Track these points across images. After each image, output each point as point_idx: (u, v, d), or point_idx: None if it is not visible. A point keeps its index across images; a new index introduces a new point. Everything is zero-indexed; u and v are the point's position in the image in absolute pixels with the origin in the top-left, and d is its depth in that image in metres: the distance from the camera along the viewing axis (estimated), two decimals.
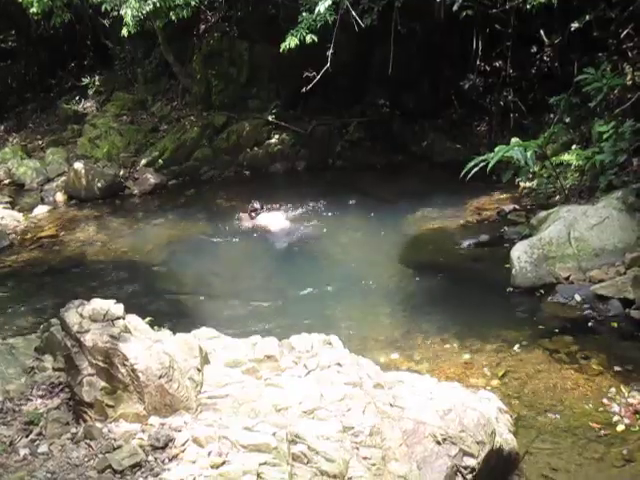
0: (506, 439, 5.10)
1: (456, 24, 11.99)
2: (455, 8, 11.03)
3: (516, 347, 6.81)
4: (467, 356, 6.72)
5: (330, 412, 4.76)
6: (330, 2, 11.05)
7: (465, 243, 9.61)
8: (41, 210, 13.68)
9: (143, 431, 4.53)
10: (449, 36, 13.28)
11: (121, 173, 14.89)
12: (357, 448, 4.55)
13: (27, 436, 4.78)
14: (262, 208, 11.62)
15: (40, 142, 18.39)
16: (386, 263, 9.31)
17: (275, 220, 11.39)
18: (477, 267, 8.91)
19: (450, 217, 10.58)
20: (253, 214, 11.51)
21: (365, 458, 4.51)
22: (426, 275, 8.87)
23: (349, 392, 4.98)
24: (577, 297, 7.64)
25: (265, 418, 4.60)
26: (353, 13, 11.16)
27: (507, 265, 8.30)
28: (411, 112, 14.13)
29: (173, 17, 12.49)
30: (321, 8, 11.05)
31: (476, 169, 8.85)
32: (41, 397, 5.36)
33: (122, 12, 12.28)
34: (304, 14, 11.46)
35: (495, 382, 6.22)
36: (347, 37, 11.95)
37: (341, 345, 5.73)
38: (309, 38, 11.18)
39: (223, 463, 4.16)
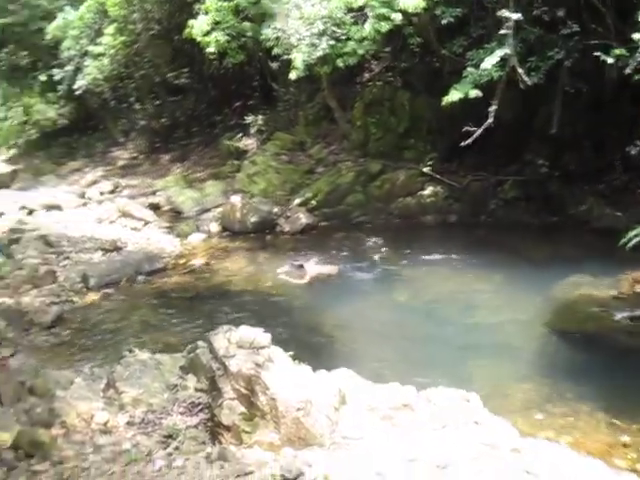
0: None
1: (627, 87, 11.61)
2: (627, 71, 10.69)
3: None
4: (613, 433, 6.32)
5: (462, 470, 4.63)
6: (498, 59, 11.02)
7: (619, 315, 9.11)
8: (196, 238, 14.27)
9: (275, 460, 4.58)
10: (618, 99, 12.86)
11: (275, 210, 15.27)
12: None
13: (165, 449, 4.94)
14: (302, 266, 11.56)
15: (201, 174, 19.25)
16: (531, 326, 8.99)
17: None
18: (631, 342, 8.41)
19: (604, 286, 10.07)
20: (294, 269, 11.56)
21: None
22: (573, 343, 8.50)
23: (484, 452, 4.83)
24: None
25: (396, 466, 4.53)
26: (520, 71, 11.06)
27: None
28: (571, 174, 13.72)
29: (340, 64, 12.83)
30: (488, 64, 11.04)
31: (638, 239, 8.45)
32: (181, 414, 5.53)
33: (292, 57, 12.75)
34: (469, 69, 11.49)
35: None
36: (511, 93, 11.84)
37: (480, 404, 5.59)
38: (473, 93, 11.18)
39: None
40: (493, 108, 11.18)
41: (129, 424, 5.47)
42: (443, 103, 11.59)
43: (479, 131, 11.36)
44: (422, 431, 5.09)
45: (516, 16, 10.79)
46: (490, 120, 11.19)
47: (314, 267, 11.51)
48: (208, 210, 16.24)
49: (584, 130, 13.35)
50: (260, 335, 4.99)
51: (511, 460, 4.84)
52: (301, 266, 11.44)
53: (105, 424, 5.51)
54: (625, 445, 6.13)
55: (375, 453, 4.67)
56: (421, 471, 4.53)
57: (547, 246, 12.13)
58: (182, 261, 12.53)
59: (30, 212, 16.55)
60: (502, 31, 11.10)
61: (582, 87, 12.20)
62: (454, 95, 11.33)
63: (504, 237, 12.95)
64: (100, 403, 5.85)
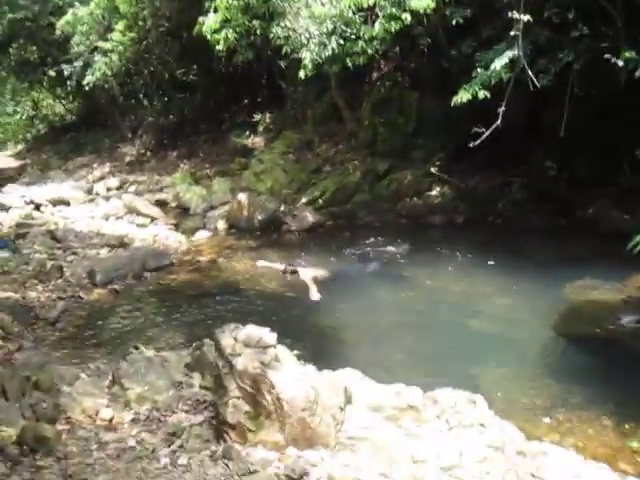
0: None
1: (637, 90, 11.56)
2: (637, 74, 10.64)
3: None
4: (620, 438, 6.28)
5: (468, 472, 4.63)
6: (507, 60, 10.99)
7: (625, 319, 9.04)
8: (202, 235, 14.30)
9: (280, 460, 4.59)
10: (628, 102, 12.80)
11: (281, 208, 15.27)
12: None
13: (169, 446, 4.95)
14: (294, 271, 11.26)
15: (208, 171, 19.31)
16: (537, 330, 8.94)
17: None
18: (637, 346, 8.40)
19: (611, 290, 10.01)
20: (288, 275, 11.26)
21: None
22: (580, 347, 8.46)
23: (490, 455, 4.83)
24: None
25: (401, 467, 4.53)
26: (529, 72, 11.02)
27: None
28: (579, 177, 13.68)
29: (349, 63, 12.82)
30: (497, 65, 11.01)
31: None
32: (186, 412, 5.54)
33: (301, 55, 12.75)
34: (479, 70, 11.46)
35: None
36: (519, 95, 11.80)
37: (486, 406, 5.58)
38: (482, 94, 11.15)
39: None
40: (502, 109, 11.13)
41: (134, 421, 5.49)
42: (452, 103, 11.56)
43: (487, 132, 11.33)
44: (428, 432, 5.08)
45: (526, 18, 10.75)
46: (498, 121, 11.15)
47: (309, 270, 11.36)
48: (215, 207, 16.27)
49: (593, 133, 13.30)
50: (266, 334, 4.98)
51: (517, 463, 4.84)
52: (294, 271, 11.26)
53: (110, 420, 5.52)
54: (633, 451, 6.10)
55: (380, 454, 4.66)
56: (426, 473, 4.53)
57: (555, 248, 12.09)
58: (188, 258, 12.54)
59: (37, 207, 16.59)
60: (512, 32, 11.07)
61: (591, 90, 12.15)
62: (463, 96, 11.30)
63: (511, 239, 12.92)
64: (105, 399, 5.87)
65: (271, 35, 13.64)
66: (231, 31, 13.61)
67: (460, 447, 4.82)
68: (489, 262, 11.50)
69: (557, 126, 11.77)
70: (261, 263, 11.69)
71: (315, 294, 10.42)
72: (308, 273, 11.15)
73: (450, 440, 4.96)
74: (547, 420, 6.60)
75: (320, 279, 11.00)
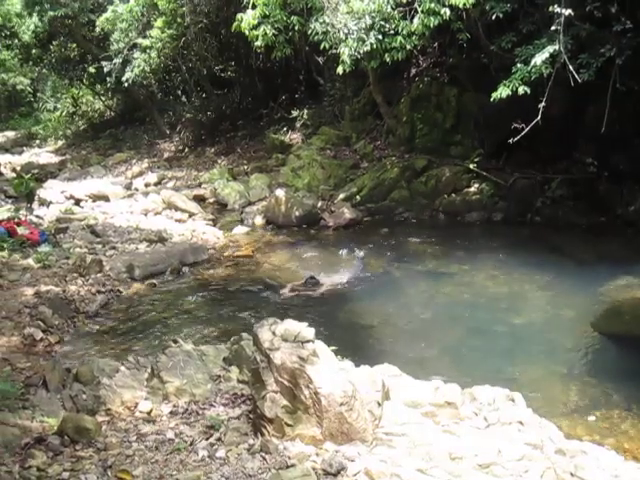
0: None
1: None
2: None
3: None
4: None
5: (506, 470, 4.59)
6: (547, 55, 10.87)
7: None
8: (240, 230, 14.35)
9: (317, 454, 4.59)
10: None
11: (319, 205, 15.28)
12: None
13: (207, 439, 4.99)
14: (315, 282, 10.68)
15: (245, 167, 19.34)
16: (578, 328, 8.85)
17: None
18: None
19: None
20: (306, 285, 10.68)
21: None
22: (620, 346, 8.34)
23: (528, 453, 4.78)
24: None
25: (439, 464, 4.51)
26: (570, 67, 10.88)
27: None
28: (620, 174, 13.45)
29: (387, 59, 12.76)
30: (537, 60, 10.91)
31: None
32: (224, 405, 5.58)
33: (340, 51, 12.74)
34: (519, 65, 11.36)
35: None
36: (560, 91, 11.66)
37: (524, 404, 5.54)
38: (522, 89, 11.05)
39: None
40: (541, 105, 11.02)
41: (172, 414, 5.54)
42: (491, 99, 11.48)
43: (527, 129, 11.22)
44: (465, 429, 5.05)
45: (567, 12, 10.62)
46: (538, 117, 11.04)
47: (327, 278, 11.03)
48: (253, 203, 16.34)
49: (634, 129, 13.08)
50: (305, 329, 4.98)
51: (556, 462, 4.78)
52: (314, 279, 10.76)
53: (149, 413, 5.58)
54: None
55: (417, 450, 4.64)
56: (464, 470, 4.50)
57: (594, 246, 11.93)
58: (226, 253, 12.59)
59: (77, 202, 16.80)
60: (552, 27, 10.94)
61: (634, 85, 11.95)
62: (502, 91, 11.21)
63: (550, 236, 12.80)
64: (144, 392, 5.93)
65: (309, 31, 13.64)
66: (269, 27, 13.62)
67: (498, 444, 4.78)
68: (527, 260, 11.36)
69: (598, 122, 11.58)
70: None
71: None
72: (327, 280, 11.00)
73: (488, 437, 4.93)
74: (587, 419, 6.53)
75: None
